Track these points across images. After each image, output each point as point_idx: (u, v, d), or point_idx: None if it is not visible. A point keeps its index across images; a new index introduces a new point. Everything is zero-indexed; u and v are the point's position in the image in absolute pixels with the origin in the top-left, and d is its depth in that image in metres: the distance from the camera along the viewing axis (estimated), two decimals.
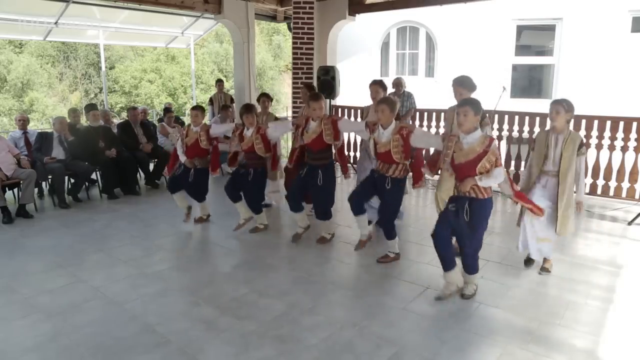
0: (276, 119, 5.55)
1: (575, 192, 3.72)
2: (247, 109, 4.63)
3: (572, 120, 3.71)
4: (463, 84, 3.92)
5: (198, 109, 5.05)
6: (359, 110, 8.12)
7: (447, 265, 3.35)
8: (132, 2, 7.58)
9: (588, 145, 6.10)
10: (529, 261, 3.95)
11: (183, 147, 4.99)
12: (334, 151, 4.41)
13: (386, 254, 4.09)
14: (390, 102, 3.78)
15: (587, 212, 5.65)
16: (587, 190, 6.19)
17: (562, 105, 3.56)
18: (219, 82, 9.60)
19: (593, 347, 2.80)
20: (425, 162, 3.78)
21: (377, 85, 4.62)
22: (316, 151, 4.28)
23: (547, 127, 3.77)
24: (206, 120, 8.93)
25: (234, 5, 8.58)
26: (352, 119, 8.06)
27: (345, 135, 7.92)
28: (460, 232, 3.27)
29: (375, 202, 4.25)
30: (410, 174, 3.92)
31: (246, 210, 4.83)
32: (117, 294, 3.50)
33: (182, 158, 4.99)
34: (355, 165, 6.08)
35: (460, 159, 3.18)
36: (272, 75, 24.72)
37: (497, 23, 11.28)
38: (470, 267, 3.35)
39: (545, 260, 3.86)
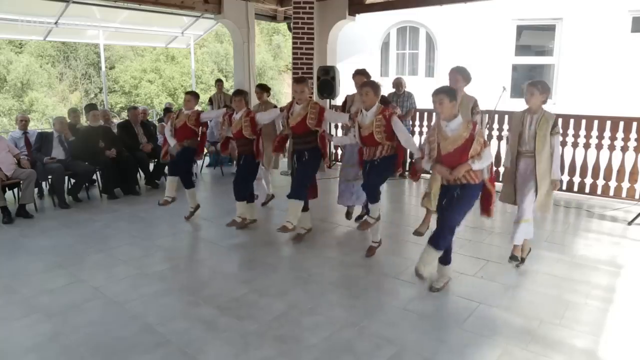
0: (275, 107, 5.59)
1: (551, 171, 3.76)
2: (237, 93, 4.78)
3: (561, 121, 3.81)
4: (461, 72, 4.09)
5: (192, 94, 5.20)
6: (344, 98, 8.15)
7: (444, 261, 3.46)
8: (132, 2, 7.58)
9: (588, 145, 6.12)
10: (512, 257, 3.93)
11: (172, 130, 5.08)
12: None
13: (365, 219, 4.10)
14: (374, 84, 3.89)
15: (587, 212, 5.65)
16: (587, 190, 6.20)
17: (537, 87, 3.62)
18: (219, 82, 9.61)
19: (593, 347, 2.80)
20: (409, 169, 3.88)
21: (361, 75, 4.66)
22: (301, 134, 4.33)
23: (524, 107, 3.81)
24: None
25: (234, 5, 8.58)
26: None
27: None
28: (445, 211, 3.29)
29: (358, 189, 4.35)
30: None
31: (241, 208, 4.85)
32: (117, 294, 3.50)
33: (172, 142, 5.08)
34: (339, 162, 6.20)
35: (447, 148, 3.20)
36: (272, 75, 24.71)
37: (497, 23, 11.28)
38: (440, 244, 3.22)
39: (525, 241, 3.88)
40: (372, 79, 4.40)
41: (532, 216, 3.83)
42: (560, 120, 6.19)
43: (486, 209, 3.39)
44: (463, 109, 3.89)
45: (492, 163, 3.52)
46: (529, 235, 3.86)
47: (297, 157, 4.44)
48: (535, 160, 3.66)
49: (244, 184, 4.81)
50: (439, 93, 3.21)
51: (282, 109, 4.79)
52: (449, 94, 3.19)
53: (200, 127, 5.16)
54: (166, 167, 7.32)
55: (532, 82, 3.66)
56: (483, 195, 3.36)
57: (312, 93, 4.59)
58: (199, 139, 5.18)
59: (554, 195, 3.86)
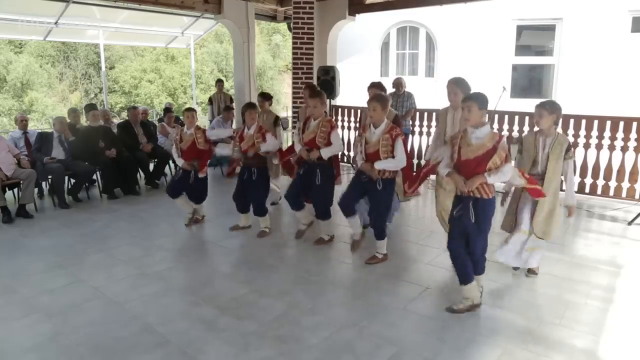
0: (277, 118, 5.51)
1: (565, 196, 3.65)
2: (249, 106, 4.62)
3: (561, 121, 3.70)
4: (459, 84, 3.85)
5: (192, 110, 4.99)
6: (359, 110, 8.15)
7: (464, 279, 3.20)
8: (132, 2, 7.58)
9: (588, 145, 6.11)
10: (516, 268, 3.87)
11: (178, 152, 4.96)
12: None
13: (374, 255, 4.07)
14: (383, 99, 3.78)
15: (587, 212, 5.65)
16: (587, 190, 6.19)
17: (546, 108, 3.48)
18: (219, 82, 9.61)
19: (593, 347, 2.80)
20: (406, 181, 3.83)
21: (374, 89, 4.60)
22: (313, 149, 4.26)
23: (536, 128, 3.67)
24: (206, 121, 9.00)
25: (234, 5, 8.58)
26: (352, 118, 8.07)
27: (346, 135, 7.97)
28: (468, 236, 3.19)
29: (364, 205, 4.23)
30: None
31: (246, 219, 4.90)
32: (117, 294, 3.50)
33: (180, 162, 4.98)
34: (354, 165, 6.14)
35: (468, 155, 3.09)
36: (272, 75, 24.71)
37: (497, 23, 11.27)
38: (479, 268, 3.31)
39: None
40: (388, 94, 4.27)
41: (544, 245, 3.70)
42: (560, 121, 6.24)
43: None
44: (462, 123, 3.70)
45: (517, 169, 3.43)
46: (533, 265, 3.73)
47: (307, 170, 4.32)
48: (543, 184, 3.50)
49: (261, 198, 4.69)
50: (468, 100, 3.10)
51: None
52: (479, 100, 3.06)
53: (210, 145, 5.09)
54: (166, 167, 7.33)
55: (540, 104, 3.52)
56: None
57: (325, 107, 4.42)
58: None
59: (558, 217, 3.67)
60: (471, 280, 3.19)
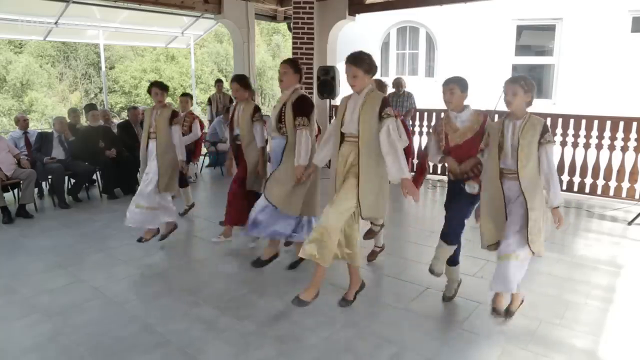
0: (256, 109, 4.26)
1: (547, 196, 2.89)
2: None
3: (561, 121, 3.44)
4: (457, 81, 3.73)
5: (187, 95, 5.67)
6: None
7: (453, 262, 3.30)
8: (132, 2, 7.58)
9: (588, 145, 6.11)
10: (495, 310, 3.09)
11: None
12: None
13: (372, 250, 4.09)
14: (378, 82, 3.80)
15: (587, 212, 5.65)
16: (587, 190, 6.19)
17: (520, 85, 2.85)
18: (219, 82, 9.61)
19: (593, 347, 2.80)
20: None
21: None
22: None
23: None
24: (206, 121, 8.99)
25: (234, 5, 8.58)
26: None
27: None
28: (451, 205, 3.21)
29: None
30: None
31: None
32: (117, 294, 3.50)
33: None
34: None
35: (456, 140, 3.10)
36: (272, 75, 24.71)
37: (497, 23, 11.27)
38: (452, 239, 3.16)
39: (513, 295, 3.09)
40: (388, 94, 4.18)
41: (526, 253, 2.90)
42: (560, 121, 6.25)
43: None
44: None
45: None
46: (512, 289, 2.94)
47: None
48: (519, 181, 2.83)
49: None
50: (450, 82, 3.09)
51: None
52: (460, 83, 3.07)
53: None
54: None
55: (513, 79, 2.90)
56: None
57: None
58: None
59: (545, 227, 2.97)
60: (458, 263, 3.35)
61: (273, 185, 3.63)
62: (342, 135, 3.08)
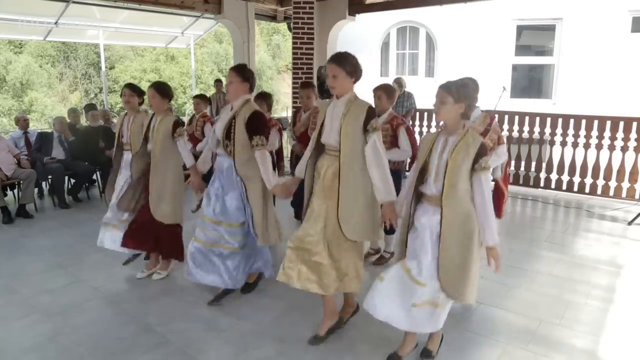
0: (176, 124, 3.69)
1: (481, 234, 2.35)
2: (260, 96, 4.51)
3: (561, 121, 3.32)
4: (384, 88, 3.66)
5: (198, 97, 5.27)
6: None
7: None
8: (132, 2, 7.57)
9: (588, 145, 6.11)
10: (425, 353, 2.63)
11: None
12: None
13: (381, 255, 4.07)
14: (388, 89, 3.66)
15: (587, 212, 5.65)
16: (587, 190, 6.19)
17: (450, 92, 2.30)
18: (218, 82, 9.61)
19: (593, 347, 2.80)
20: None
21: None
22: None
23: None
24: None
25: (234, 5, 8.57)
26: None
27: None
28: None
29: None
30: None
31: None
32: (117, 294, 3.50)
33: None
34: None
35: None
36: (271, 75, 24.70)
37: (497, 23, 11.27)
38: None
39: (430, 336, 2.66)
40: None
41: (444, 298, 2.41)
42: (560, 121, 6.25)
43: (497, 209, 3.08)
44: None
45: (505, 162, 3.30)
46: (433, 328, 2.51)
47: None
48: (442, 212, 2.31)
49: None
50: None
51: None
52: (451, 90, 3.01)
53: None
54: None
55: (445, 84, 2.35)
56: (494, 195, 3.06)
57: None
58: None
59: (476, 270, 2.43)
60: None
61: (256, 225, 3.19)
62: (321, 146, 2.79)
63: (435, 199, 2.35)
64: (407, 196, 2.53)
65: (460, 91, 2.28)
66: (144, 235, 3.63)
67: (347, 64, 2.62)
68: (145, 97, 3.74)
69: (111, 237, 3.82)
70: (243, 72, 3.15)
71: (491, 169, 2.38)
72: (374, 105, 3.33)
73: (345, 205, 2.62)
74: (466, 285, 2.35)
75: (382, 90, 3.64)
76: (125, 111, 3.89)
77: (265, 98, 4.40)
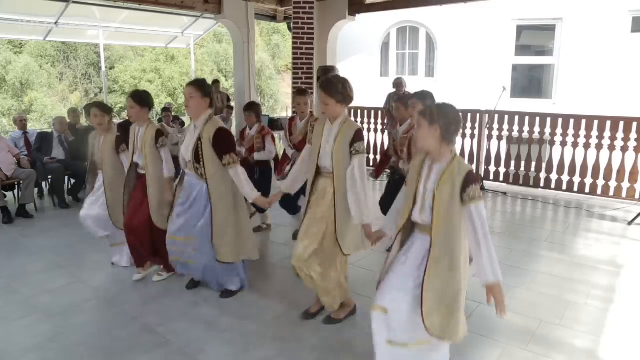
0: (159, 133, 3.61)
1: (477, 272, 2.18)
2: (248, 107, 4.60)
3: (561, 121, 3.29)
4: (423, 97, 3.51)
5: (249, 108, 4.62)
6: (358, 111, 8.16)
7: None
8: (132, 2, 7.57)
9: (588, 145, 6.11)
10: None
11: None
12: None
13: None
14: (402, 100, 3.91)
15: (587, 212, 5.65)
16: (587, 190, 6.19)
17: (424, 115, 2.09)
18: (216, 82, 9.62)
19: (593, 347, 2.80)
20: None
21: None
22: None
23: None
24: None
25: (234, 5, 8.57)
26: (352, 118, 8.07)
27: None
28: None
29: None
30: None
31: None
32: (117, 294, 3.50)
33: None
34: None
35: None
36: (270, 74, 24.70)
37: (497, 23, 11.27)
38: None
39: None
40: (388, 94, 4.20)
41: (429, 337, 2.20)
42: (560, 121, 6.25)
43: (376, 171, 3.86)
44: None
45: None
46: None
47: None
48: (431, 242, 2.11)
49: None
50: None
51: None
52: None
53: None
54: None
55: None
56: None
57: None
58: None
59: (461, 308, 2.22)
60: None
61: (220, 244, 3.23)
62: (318, 167, 2.86)
63: (424, 228, 2.17)
64: (396, 220, 2.35)
65: (434, 113, 2.06)
66: (143, 253, 3.69)
67: (337, 93, 2.72)
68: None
69: (128, 254, 3.89)
70: (203, 88, 3.14)
71: (482, 200, 2.05)
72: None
73: (341, 224, 2.79)
74: (457, 324, 2.19)
75: (400, 103, 3.88)
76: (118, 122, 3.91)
77: (253, 108, 4.53)
